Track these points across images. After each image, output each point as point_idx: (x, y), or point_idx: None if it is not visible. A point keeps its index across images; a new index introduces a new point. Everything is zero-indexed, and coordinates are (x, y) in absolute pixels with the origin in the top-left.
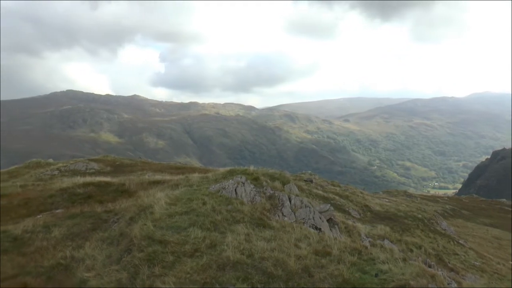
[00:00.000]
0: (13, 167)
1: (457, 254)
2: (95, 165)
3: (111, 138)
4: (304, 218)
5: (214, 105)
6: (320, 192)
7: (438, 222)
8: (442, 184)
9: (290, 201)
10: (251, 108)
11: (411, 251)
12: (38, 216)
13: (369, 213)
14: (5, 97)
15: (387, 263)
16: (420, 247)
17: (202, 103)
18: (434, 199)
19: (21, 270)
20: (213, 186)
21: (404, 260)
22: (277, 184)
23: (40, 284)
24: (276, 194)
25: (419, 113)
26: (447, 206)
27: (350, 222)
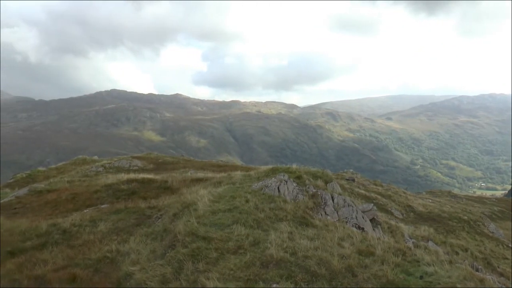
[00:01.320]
0: (60, 163)
1: (507, 259)
2: (138, 163)
3: (154, 136)
4: (347, 217)
5: (256, 104)
6: (362, 191)
7: (486, 224)
8: (490, 185)
9: (332, 200)
10: (293, 106)
11: (457, 253)
12: (85, 211)
13: (412, 213)
14: (54, 96)
15: (433, 265)
16: (466, 250)
17: (244, 102)
18: (481, 200)
19: (70, 261)
20: (256, 184)
21: (450, 262)
22: (320, 182)
23: (88, 275)
24: (319, 193)
25: (465, 110)
26: (495, 208)
27: (393, 222)
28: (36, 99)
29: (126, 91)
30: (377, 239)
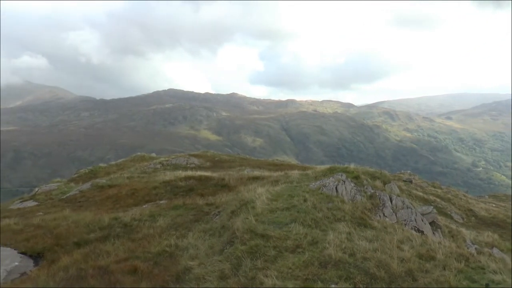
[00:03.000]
0: (120, 160)
1: None
2: (195, 160)
3: (210, 135)
4: (405, 220)
5: (312, 103)
6: (420, 193)
7: None
8: None
9: (391, 201)
10: (349, 105)
11: None
12: (144, 206)
13: (473, 218)
14: (114, 95)
15: (500, 273)
16: None
17: (300, 101)
18: None
19: (131, 254)
20: (313, 183)
21: None
22: (378, 183)
23: (148, 268)
24: (377, 194)
25: None
26: None
27: (453, 226)
28: (98, 98)
29: (183, 91)
30: (438, 243)
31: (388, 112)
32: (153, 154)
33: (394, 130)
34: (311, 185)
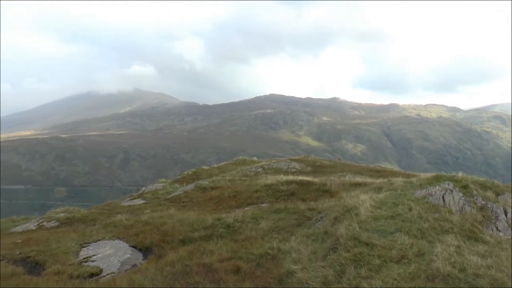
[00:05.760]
0: (222, 163)
1: None
2: (296, 165)
3: (310, 139)
4: None
5: (415, 107)
6: None
7: None
8: None
9: (505, 215)
10: (455, 109)
11: None
12: (246, 208)
13: None
14: (216, 101)
15: None
16: None
17: (403, 105)
18: None
19: (234, 254)
20: (418, 191)
21: None
22: (489, 194)
23: (251, 269)
24: (489, 205)
25: None
26: None
27: None
28: (201, 104)
29: (284, 95)
30: None
31: (500, 117)
32: (254, 158)
33: (507, 136)
34: (416, 194)
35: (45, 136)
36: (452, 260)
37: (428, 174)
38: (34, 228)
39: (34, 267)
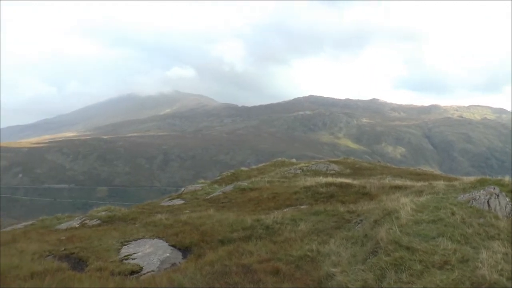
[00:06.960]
0: (260, 164)
1: None
2: (335, 167)
3: (349, 141)
4: None
5: (458, 108)
6: None
7: None
8: None
9: None
10: (501, 110)
11: None
12: (285, 210)
13: None
14: (255, 102)
15: None
16: None
17: (444, 106)
18: None
19: (273, 255)
20: (461, 195)
21: None
22: None
23: (290, 270)
24: None
25: None
26: None
27: None
28: (240, 105)
29: (323, 97)
30: None
31: None
32: (293, 160)
33: None
34: (459, 198)
35: (87, 137)
36: (499, 267)
37: (472, 178)
38: (77, 225)
39: (78, 263)
